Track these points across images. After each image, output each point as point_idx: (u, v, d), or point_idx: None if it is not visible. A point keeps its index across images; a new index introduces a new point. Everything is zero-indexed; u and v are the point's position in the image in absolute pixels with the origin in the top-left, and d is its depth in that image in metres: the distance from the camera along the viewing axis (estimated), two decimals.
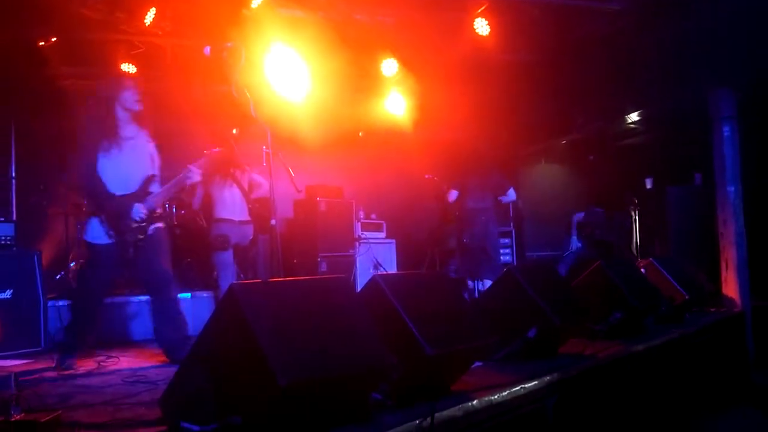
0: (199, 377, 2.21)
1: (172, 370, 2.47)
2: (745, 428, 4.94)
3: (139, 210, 3.99)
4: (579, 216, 7.44)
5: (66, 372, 3.85)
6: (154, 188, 4.13)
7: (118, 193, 3.97)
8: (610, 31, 6.95)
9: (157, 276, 4.14)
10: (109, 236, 3.93)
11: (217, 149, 4.56)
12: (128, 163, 4.03)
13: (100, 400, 2.98)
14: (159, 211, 4.15)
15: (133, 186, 4.03)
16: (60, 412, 2.45)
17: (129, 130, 4.07)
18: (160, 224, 4.15)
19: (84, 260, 4.21)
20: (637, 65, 6.90)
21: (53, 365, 3.96)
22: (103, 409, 2.81)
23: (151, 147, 4.19)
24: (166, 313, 4.17)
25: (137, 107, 4.06)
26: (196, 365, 2.28)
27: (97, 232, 3.96)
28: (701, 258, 6.46)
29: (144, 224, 4.02)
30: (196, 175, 4.20)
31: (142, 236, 4.01)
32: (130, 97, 4.05)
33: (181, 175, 4.18)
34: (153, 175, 4.16)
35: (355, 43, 7.20)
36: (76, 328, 4.08)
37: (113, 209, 3.93)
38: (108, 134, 3.97)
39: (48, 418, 2.30)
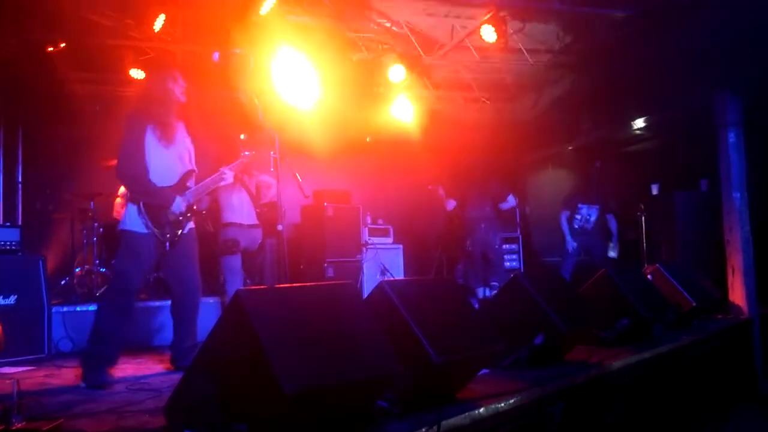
0: (204, 384, 2.20)
1: (176, 378, 2.47)
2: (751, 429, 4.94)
3: (180, 204, 3.90)
4: (566, 214, 7.34)
5: (99, 389, 3.53)
6: (191, 184, 4.06)
7: (159, 184, 3.86)
8: (616, 38, 6.94)
9: (187, 280, 4.03)
10: (147, 227, 3.78)
11: (249, 153, 4.50)
12: (170, 156, 3.94)
13: (103, 408, 2.96)
14: (195, 207, 4.09)
15: (173, 179, 3.94)
16: (62, 420, 2.44)
17: (172, 122, 4.00)
18: (192, 224, 4.09)
19: (118, 252, 3.93)
20: (643, 72, 6.89)
21: (80, 377, 3.65)
22: (106, 417, 2.79)
23: (188, 141, 4.13)
24: (185, 320, 4.07)
25: (182, 99, 4.01)
26: (201, 372, 2.27)
27: (134, 221, 3.80)
28: (708, 264, 6.43)
29: (182, 219, 3.94)
30: (229, 177, 4.19)
31: (179, 232, 3.91)
32: (177, 90, 3.97)
33: (215, 175, 4.15)
34: (192, 170, 4.09)
35: (363, 49, 7.23)
36: (107, 336, 3.69)
37: (154, 199, 3.83)
38: (155, 124, 3.87)
39: (50, 426, 2.28)
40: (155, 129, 3.85)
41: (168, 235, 3.85)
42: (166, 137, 3.89)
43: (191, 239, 4.07)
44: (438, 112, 8.11)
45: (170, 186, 3.91)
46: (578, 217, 7.18)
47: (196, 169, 4.13)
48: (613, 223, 7.12)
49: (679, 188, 7.20)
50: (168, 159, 3.92)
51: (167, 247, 3.85)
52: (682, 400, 4.44)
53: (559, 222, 7.20)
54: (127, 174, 3.84)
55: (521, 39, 7.20)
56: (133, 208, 3.82)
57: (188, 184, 4.04)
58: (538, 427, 3.02)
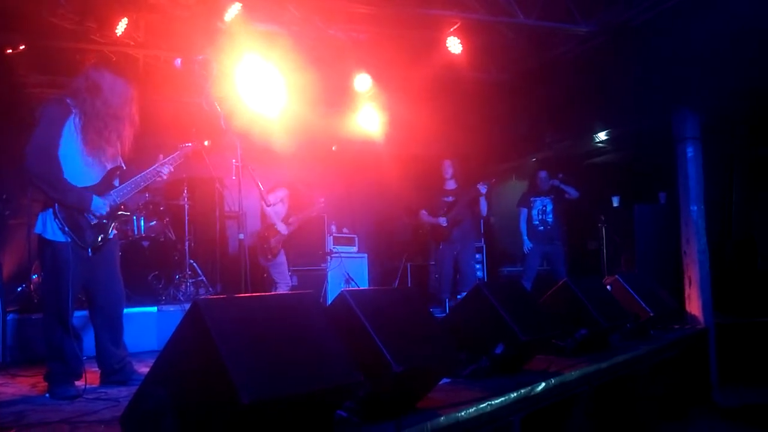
0: (162, 394, 2.17)
1: (134, 387, 2.43)
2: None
3: (101, 205, 3.56)
4: (523, 212, 7.46)
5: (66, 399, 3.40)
6: (117, 183, 3.74)
7: (79, 184, 3.51)
8: (579, 52, 7.10)
9: (113, 288, 3.76)
10: (64, 233, 3.45)
11: (189, 144, 4.10)
12: (84, 154, 3.57)
13: (58, 418, 2.88)
14: (123, 207, 3.75)
15: (94, 178, 3.60)
16: (14, 430, 2.38)
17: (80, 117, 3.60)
18: (115, 230, 3.75)
19: (44, 264, 3.55)
20: (605, 86, 7.06)
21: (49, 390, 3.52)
22: (60, 427, 2.72)
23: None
24: (112, 332, 3.77)
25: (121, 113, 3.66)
26: (158, 381, 2.24)
27: (52, 227, 3.46)
28: (666, 275, 6.58)
29: (106, 221, 3.61)
30: (166, 172, 3.86)
31: (101, 237, 3.59)
32: (131, 108, 3.72)
33: (148, 171, 3.79)
34: (118, 167, 3.73)
35: (329, 58, 7.24)
36: (60, 352, 3.50)
37: (69, 200, 3.46)
38: (91, 129, 3.53)
39: None
40: (86, 133, 3.51)
41: (89, 241, 3.54)
42: (91, 145, 3.53)
43: (114, 244, 3.78)
44: (404, 121, 8.16)
45: (91, 186, 3.58)
46: (534, 212, 7.33)
47: (123, 165, 3.79)
48: (572, 191, 7.30)
49: (639, 201, 7.37)
50: (86, 157, 3.57)
51: (89, 253, 3.54)
52: (640, 408, 4.53)
53: (518, 224, 7.35)
54: (40, 170, 3.42)
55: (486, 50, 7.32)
56: (49, 213, 3.47)
57: (114, 182, 3.72)
58: None
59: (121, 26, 5.82)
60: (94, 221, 3.58)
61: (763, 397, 5.63)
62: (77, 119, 3.53)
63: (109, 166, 3.69)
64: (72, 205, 3.49)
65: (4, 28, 5.83)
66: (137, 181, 3.78)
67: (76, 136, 3.52)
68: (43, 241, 3.51)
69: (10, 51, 5.97)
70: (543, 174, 7.41)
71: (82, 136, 3.53)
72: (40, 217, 3.53)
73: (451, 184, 7.21)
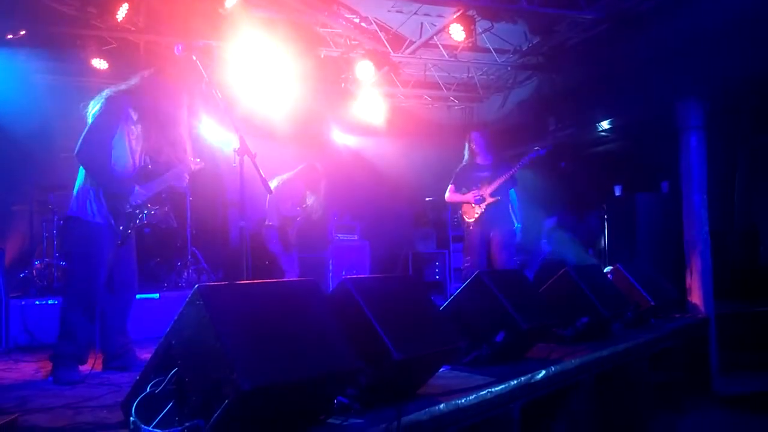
0: (163, 379, 2.18)
1: (136, 373, 2.44)
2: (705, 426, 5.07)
3: (139, 194, 3.72)
4: (551, 221, 7.40)
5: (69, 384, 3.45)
6: (144, 179, 3.88)
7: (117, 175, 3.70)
8: (583, 40, 7.05)
9: (130, 275, 3.91)
10: (103, 217, 3.61)
11: (199, 160, 4.15)
12: (130, 148, 3.77)
13: (61, 403, 2.90)
14: (150, 204, 3.89)
15: (129, 172, 3.77)
16: (17, 415, 2.39)
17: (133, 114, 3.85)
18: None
19: (76, 244, 3.69)
20: (609, 74, 7.02)
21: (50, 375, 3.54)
22: (63, 412, 2.74)
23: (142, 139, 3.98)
24: (120, 317, 3.90)
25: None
26: (159, 367, 2.25)
27: (91, 209, 3.61)
28: (667, 264, 6.56)
29: (137, 212, 3.76)
30: (184, 180, 4.01)
31: (132, 225, 3.75)
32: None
33: (170, 173, 3.92)
34: (146, 166, 3.90)
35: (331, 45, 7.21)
36: (74, 335, 3.58)
37: (116, 188, 3.65)
38: (124, 117, 3.72)
39: (4, 422, 2.24)
40: (134, 130, 3.72)
41: (122, 228, 3.67)
42: (135, 143, 3.75)
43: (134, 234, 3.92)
44: (405, 109, 8.14)
45: (127, 178, 3.74)
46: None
47: (150, 165, 3.93)
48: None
49: (641, 190, 7.34)
50: (127, 153, 3.76)
51: (119, 240, 3.68)
52: (640, 396, 4.54)
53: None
54: (94, 158, 3.59)
55: (489, 39, 7.28)
56: (89, 194, 3.62)
57: (142, 178, 3.85)
58: (498, 423, 3.06)
59: (122, 12, 5.81)
60: (129, 209, 3.72)
61: (762, 386, 5.64)
62: (130, 117, 3.72)
63: (141, 163, 3.86)
64: (116, 192, 3.65)
65: (5, 13, 5.81)
66: (166, 179, 3.92)
67: (124, 130, 3.70)
68: (78, 222, 3.63)
69: (10, 36, 5.96)
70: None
71: (129, 131, 3.72)
72: (75, 199, 3.67)
73: (485, 158, 6.23)
